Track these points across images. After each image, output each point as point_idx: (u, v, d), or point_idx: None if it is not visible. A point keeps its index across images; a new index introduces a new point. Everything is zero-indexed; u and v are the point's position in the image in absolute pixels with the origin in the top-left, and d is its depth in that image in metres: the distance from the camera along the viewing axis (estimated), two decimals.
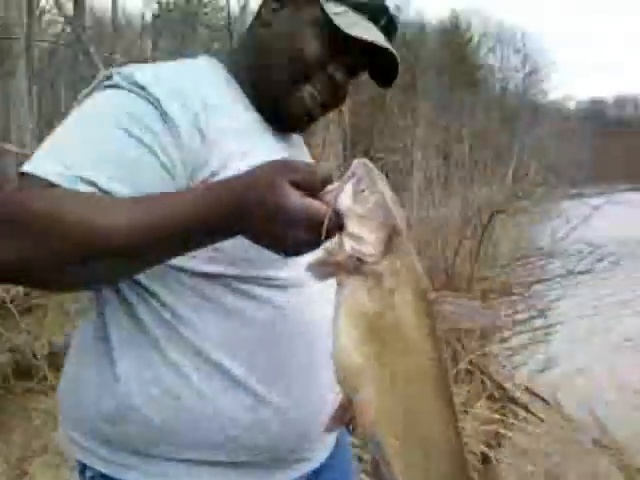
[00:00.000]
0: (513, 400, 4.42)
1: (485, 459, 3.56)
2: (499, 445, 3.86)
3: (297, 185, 0.74)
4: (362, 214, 0.72)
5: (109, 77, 0.96)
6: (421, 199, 4.69)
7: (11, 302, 3.84)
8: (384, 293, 0.71)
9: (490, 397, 4.17)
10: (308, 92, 1.04)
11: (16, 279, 0.85)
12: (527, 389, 5.04)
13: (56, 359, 3.34)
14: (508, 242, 5.16)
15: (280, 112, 1.06)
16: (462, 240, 4.30)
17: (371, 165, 0.77)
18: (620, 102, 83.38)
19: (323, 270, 0.74)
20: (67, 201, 0.80)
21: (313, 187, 0.75)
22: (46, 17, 16.07)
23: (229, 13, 19.69)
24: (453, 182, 4.94)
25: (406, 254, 0.74)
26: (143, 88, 0.91)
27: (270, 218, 0.74)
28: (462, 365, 4.11)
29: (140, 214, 0.79)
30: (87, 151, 0.87)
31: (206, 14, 20.77)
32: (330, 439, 1.12)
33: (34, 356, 3.57)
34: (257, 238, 0.78)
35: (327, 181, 0.76)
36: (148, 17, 23.03)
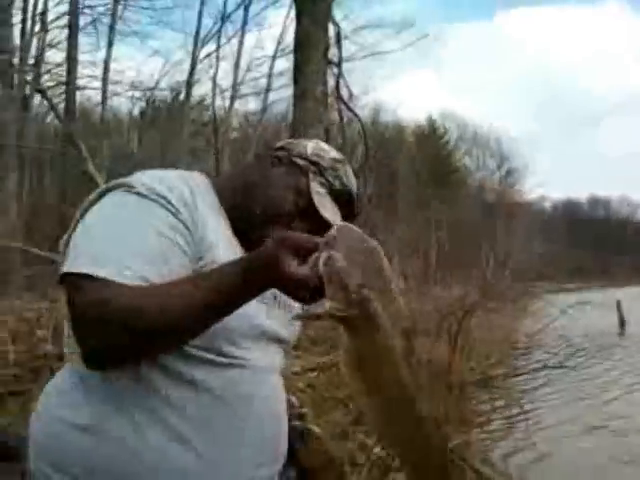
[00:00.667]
0: None
1: None
2: None
3: (293, 253, 0.97)
4: (330, 277, 0.91)
5: (126, 184, 1.16)
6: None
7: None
8: (361, 337, 0.92)
9: None
10: (265, 228, 1.24)
11: (107, 361, 1.06)
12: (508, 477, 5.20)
13: None
14: (484, 338, 5.47)
15: (249, 240, 1.26)
16: (439, 334, 4.60)
17: (349, 226, 0.98)
18: (593, 203, 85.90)
19: (307, 319, 0.99)
20: (146, 298, 1.01)
21: (307, 253, 0.97)
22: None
23: (214, 111, 20.59)
24: (429, 280, 5.28)
25: (384, 297, 0.92)
26: (164, 198, 1.14)
27: (276, 283, 0.99)
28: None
29: (192, 297, 1.01)
30: (136, 252, 1.07)
31: (192, 108, 21.64)
32: None
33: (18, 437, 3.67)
34: (279, 290, 1.03)
35: (314, 247, 0.97)
36: (135, 112, 23.70)
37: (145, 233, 1.10)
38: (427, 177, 36.22)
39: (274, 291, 1.23)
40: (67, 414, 1.13)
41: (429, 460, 1.03)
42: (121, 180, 1.19)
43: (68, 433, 1.12)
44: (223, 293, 1.01)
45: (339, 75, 9.42)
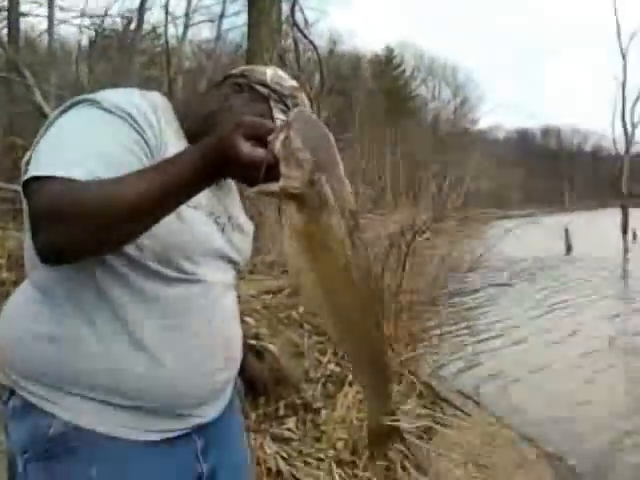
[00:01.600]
0: (440, 397, 4.80)
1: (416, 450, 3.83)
2: (430, 438, 4.15)
3: (249, 136, 0.99)
4: (286, 156, 0.95)
5: (92, 100, 1.16)
6: None
7: None
8: (308, 213, 0.96)
9: (419, 396, 4.52)
10: None
11: (61, 253, 1.05)
12: (456, 390, 5.52)
13: None
14: (433, 259, 5.71)
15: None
16: (388, 256, 4.78)
17: (305, 112, 1.03)
18: (545, 133, 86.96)
19: (265, 195, 1.01)
20: (99, 188, 1.02)
21: (261, 136, 1.00)
22: None
23: (167, 40, 20.00)
24: (381, 206, 5.44)
25: (334, 181, 0.97)
26: (130, 116, 1.15)
27: (232, 166, 1.00)
28: (393, 367, 4.47)
29: (153, 182, 1.02)
30: (96, 156, 1.07)
31: (144, 37, 20.96)
32: (219, 404, 1.36)
33: None
34: (231, 176, 1.08)
35: (269, 130, 1.00)
36: (84, 43, 22.79)
37: (108, 141, 1.11)
38: (383, 107, 36.06)
39: (229, 213, 1.36)
40: (32, 325, 1.18)
41: (368, 342, 1.09)
42: (87, 95, 1.19)
43: (34, 343, 1.17)
44: (183, 177, 1.03)
45: (294, 1, 9.23)
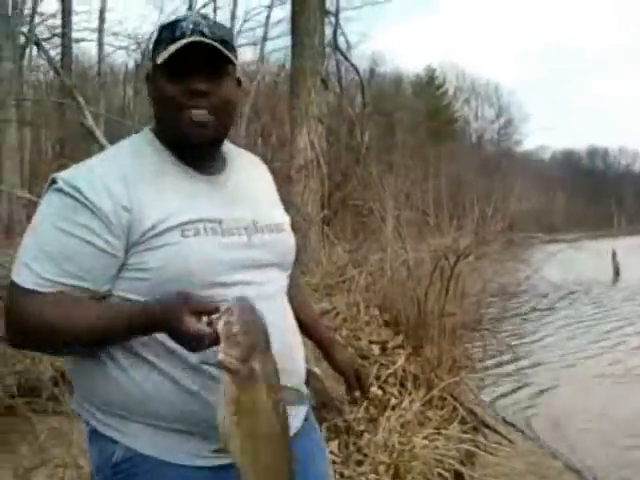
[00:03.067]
0: (484, 423, 4.76)
1: (458, 476, 3.82)
2: (472, 464, 4.10)
3: (193, 312, 1.14)
4: (227, 337, 1.12)
5: (54, 181, 1.27)
6: (393, 243, 5.23)
7: None
8: (241, 386, 1.13)
9: (462, 421, 4.44)
10: (188, 113, 1.30)
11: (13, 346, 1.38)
12: (500, 417, 5.46)
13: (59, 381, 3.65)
14: (476, 283, 5.67)
15: (183, 141, 1.34)
16: (432, 280, 4.78)
17: (245, 301, 1.17)
18: (591, 153, 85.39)
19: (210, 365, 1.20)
20: (47, 311, 1.20)
21: (206, 313, 1.15)
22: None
23: None
24: (424, 229, 5.45)
25: (264, 361, 1.15)
26: (79, 191, 1.23)
27: (176, 334, 1.15)
28: (436, 392, 4.46)
29: (97, 321, 1.21)
30: (47, 257, 1.22)
31: None
32: (298, 418, 1.43)
33: (38, 378, 3.84)
34: (173, 340, 1.18)
35: (214, 309, 1.15)
36: (131, 64, 23.36)
37: (50, 235, 1.24)
38: (425, 127, 35.99)
39: (254, 217, 1.39)
40: (96, 361, 1.31)
41: None
42: (54, 175, 1.30)
43: (100, 375, 1.31)
44: (122, 332, 1.22)
45: (336, 25, 9.36)
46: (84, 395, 1.34)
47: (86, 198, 1.23)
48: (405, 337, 4.90)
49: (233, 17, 20.25)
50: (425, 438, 4.02)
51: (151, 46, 1.40)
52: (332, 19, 9.40)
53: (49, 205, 1.27)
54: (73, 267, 1.23)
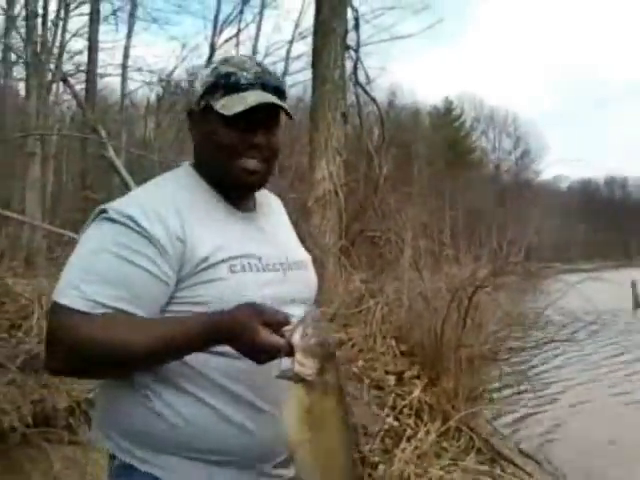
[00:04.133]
0: (500, 455, 4.69)
1: None
2: None
3: (265, 323, 1.17)
4: (304, 349, 1.15)
5: (104, 211, 1.29)
6: (410, 273, 5.27)
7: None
8: (315, 397, 1.16)
9: (479, 452, 4.44)
10: (244, 163, 1.38)
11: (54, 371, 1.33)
12: (517, 449, 5.41)
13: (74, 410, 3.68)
14: (494, 314, 5.68)
15: (231, 184, 1.41)
16: (449, 310, 4.80)
17: (317, 313, 1.22)
18: (609, 182, 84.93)
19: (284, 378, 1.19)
20: (100, 332, 1.18)
21: (276, 325, 1.18)
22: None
23: None
24: (441, 259, 5.49)
25: (333, 372, 1.18)
26: (133, 220, 1.25)
27: (248, 347, 1.18)
28: (452, 423, 4.45)
29: (154, 339, 1.20)
30: (100, 280, 1.22)
31: None
32: None
33: (54, 407, 3.90)
34: (239, 352, 1.21)
35: (285, 322, 1.18)
36: (153, 98, 23.67)
37: (102, 259, 1.24)
38: (443, 158, 36.10)
39: (285, 254, 1.45)
40: (131, 397, 1.32)
41: None
42: (103, 206, 1.32)
43: (135, 412, 1.33)
44: (180, 344, 1.22)
45: (357, 59, 9.48)
46: (118, 430, 1.33)
47: (141, 227, 1.26)
48: (421, 368, 4.91)
49: (254, 52, 20.55)
50: (441, 469, 4.01)
51: (198, 86, 1.42)
52: (352, 54, 9.54)
53: (101, 232, 1.28)
54: (126, 292, 1.23)
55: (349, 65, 9.02)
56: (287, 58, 21.42)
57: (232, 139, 1.36)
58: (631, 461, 5.41)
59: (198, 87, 1.41)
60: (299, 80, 20.53)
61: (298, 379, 1.15)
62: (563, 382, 8.11)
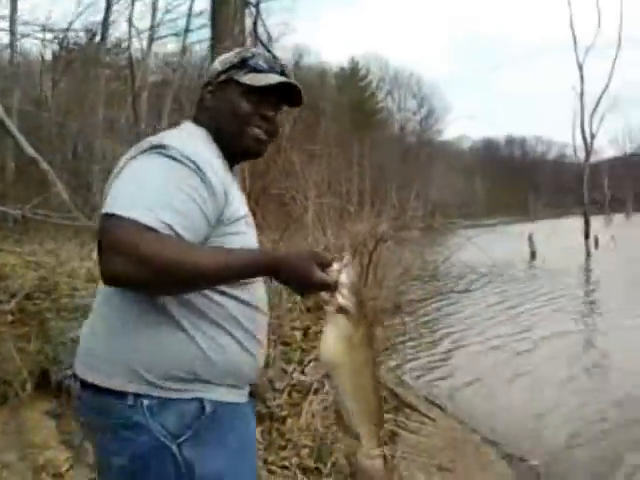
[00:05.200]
0: (404, 403, 4.85)
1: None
2: (393, 442, 4.20)
3: (318, 264, 1.39)
4: (347, 286, 1.40)
5: (162, 146, 1.42)
6: (315, 230, 5.28)
7: None
8: (351, 324, 1.41)
9: (384, 402, 4.58)
10: (252, 130, 1.62)
11: (126, 285, 1.33)
12: (420, 396, 5.59)
13: None
14: (396, 268, 5.80)
15: (241, 149, 1.64)
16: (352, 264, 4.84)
17: (349, 259, 1.45)
18: (509, 142, 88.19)
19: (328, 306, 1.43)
20: (174, 246, 1.31)
21: (325, 266, 1.40)
22: None
23: (131, 54, 19.89)
24: (345, 216, 5.52)
25: (364, 309, 1.45)
26: (195, 164, 1.41)
27: (303, 281, 1.39)
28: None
29: (220, 264, 1.35)
30: (171, 208, 1.34)
31: (108, 51, 20.79)
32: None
33: None
34: (289, 285, 1.43)
35: (331, 264, 1.41)
36: (48, 56, 22.40)
37: (175, 192, 1.36)
38: (350, 118, 36.27)
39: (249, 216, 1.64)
40: (170, 339, 1.46)
41: (374, 403, 1.53)
42: (157, 142, 1.44)
43: (175, 350, 1.46)
44: (244, 272, 1.41)
45: (257, 15, 9.29)
46: (155, 369, 1.44)
47: (202, 172, 1.41)
48: None
49: (155, 8, 19.76)
50: None
51: (217, 65, 1.67)
52: (252, 9, 9.33)
53: (168, 166, 1.40)
54: (189, 224, 1.36)
55: (250, 22, 8.83)
56: (189, 15, 20.79)
57: (247, 107, 1.61)
58: (525, 402, 5.70)
59: (218, 66, 1.66)
60: (204, 37, 19.98)
61: (342, 311, 1.39)
62: (461, 331, 8.43)
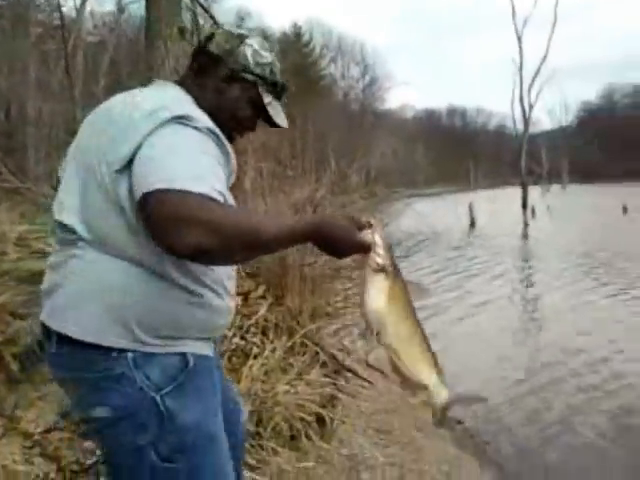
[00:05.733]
0: (344, 367, 4.87)
1: (320, 419, 3.90)
2: (333, 406, 4.20)
3: (357, 227, 1.49)
4: (383, 246, 1.50)
5: (185, 117, 1.44)
6: (253, 196, 5.21)
7: None
8: (389, 280, 1.53)
9: (324, 365, 4.57)
10: (242, 130, 1.74)
11: (201, 256, 1.34)
12: (361, 360, 5.63)
13: None
14: None
15: (226, 133, 1.60)
16: None
17: (380, 219, 1.57)
18: (451, 112, 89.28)
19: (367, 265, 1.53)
20: (238, 215, 1.38)
21: (361, 228, 1.49)
22: None
23: (61, 12, 19.03)
24: (285, 181, 5.47)
25: (397, 264, 1.56)
26: (217, 136, 1.48)
27: (340, 242, 1.46)
28: (297, 339, 4.58)
29: (277, 229, 1.38)
30: (217, 178, 1.39)
31: (38, 6, 19.87)
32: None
33: None
34: (326, 249, 1.49)
35: (365, 226, 1.50)
36: None
37: (212, 161, 1.42)
38: (293, 84, 35.90)
39: None
40: (152, 295, 1.50)
41: (420, 342, 1.63)
42: (177, 112, 1.43)
43: (159, 307, 1.53)
44: (293, 241, 1.45)
45: None
46: (145, 325, 1.49)
47: (223, 143, 1.49)
48: (267, 288, 4.93)
49: None
50: (287, 384, 4.08)
51: (248, 54, 1.70)
52: None
53: (200, 138, 1.44)
54: (225, 190, 1.42)
55: None
56: None
57: (248, 114, 1.71)
58: (467, 360, 5.85)
59: (249, 57, 1.68)
60: None
61: (379, 269, 1.51)
62: None
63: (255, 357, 4.26)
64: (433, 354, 1.65)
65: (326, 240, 1.45)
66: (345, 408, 4.32)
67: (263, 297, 4.86)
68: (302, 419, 3.76)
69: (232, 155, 1.54)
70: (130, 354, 1.48)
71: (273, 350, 4.37)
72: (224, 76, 1.67)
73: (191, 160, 1.37)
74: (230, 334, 4.50)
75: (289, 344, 4.49)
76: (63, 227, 1.52)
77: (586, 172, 70.65)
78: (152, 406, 1.48)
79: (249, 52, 1.69)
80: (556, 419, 4.69)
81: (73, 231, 1.49)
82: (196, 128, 1.43)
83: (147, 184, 1.31)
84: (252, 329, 4.54)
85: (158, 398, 1.48)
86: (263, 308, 4.66)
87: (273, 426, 3.57)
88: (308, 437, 3.73)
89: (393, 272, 1.54)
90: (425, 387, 1.63)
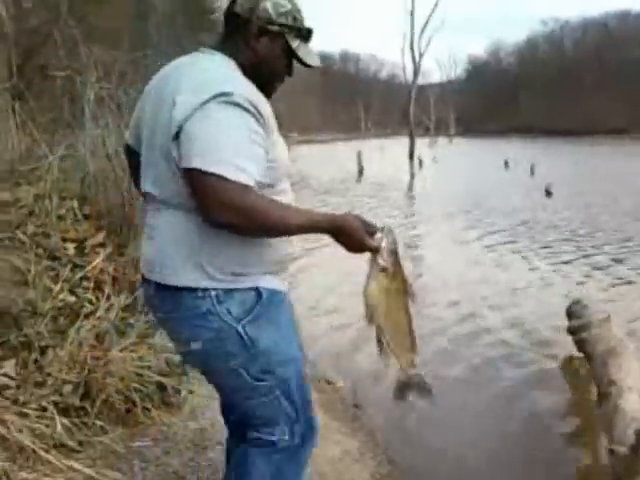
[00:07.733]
0: None
1: (163, 389, 3.39)
2: (181, 374, 3.60)
3: (367, 232, 1.72)
4: (388, 251, 1.79)
5: (227, 94, 1.55)
6: (93, 120, 4.38)
7: None
8: (388, 279, 1.83)
9: None
10: (278, 84, 1.88)
11: (229, 229, 1.59)
12: None
13: None
14: None
15: (267, 86, 1.81)
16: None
17: (392, 229, 1.81)
18: (344, 57, 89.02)
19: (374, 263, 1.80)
20: (268, 205, 1.57)
21: (371, 233, 1.74)
22: None
23: None
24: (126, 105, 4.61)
25: (400, 266, 1.84)
26: (258, 111, 1.59)
27: (354, 243, 1.71)
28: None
29: (302, 221, 1.63)
30: (254, 162, 1.56)
31: None
32: None
33: None
34: (342, 244, 1.71)
35: (375, 231, 1.75)
36: None
37: (252, 144, 1.57)
38: (183, 15, 34.24)
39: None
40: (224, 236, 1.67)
41: (408, 330, 1.93)
42: (219, 89, 1.56)
43: (233, 246, 1.72)
44: (312, 229, 1.66)
45: None
46: (224, 266, 1.70)
47: (260, 114, 1.60)
48: (108, 234, 4.19)
49: None
50: (125, 349, 3.45)
51: (270, 9, 1.78)
52: None
53: (236, 116, 1.57)
54: (260, 167, 1.60)
55: None
56: None
57: (285, 68, 1.87)
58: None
59: (270, 10, 1.77)
60: None
61: (381, 269, 1.80)
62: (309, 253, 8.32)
63: (87, 317, 3.57)
64: (413, 339, 1.92)
65: (342, 238, 1.69)
66: (196, 376, 3.80)
67: (102, 245, 4.10)
68: (139, 390, 3.21)
69: (270, 117, 1.65)
70: (213, 292, 1.69)
71: (109, 308, 3.68)
72: (254, 33, 1.77)
73: (233, 146, 1.53)
74: (57, 288, 3.78)
75: (129, 301, 3.80)
76: (146, 194, 1.76)
77: (472, 126, 73.04)
78: (236, 335, 1.71)
79: (269, 5, 1.77)
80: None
81: (153, 197, 1.72)
82: (237, 104, 1.55)
83: (188, 159, 1.51)
84: (84, 283, 3.81)
85: (240, 328, 1.71)
86: (99, 258, 3.91)
87: (104, 399, 3.04)
88: (148, 411, 3.21)
89: (393, 273, 1.82)
90: (398, 362, 1.91)
